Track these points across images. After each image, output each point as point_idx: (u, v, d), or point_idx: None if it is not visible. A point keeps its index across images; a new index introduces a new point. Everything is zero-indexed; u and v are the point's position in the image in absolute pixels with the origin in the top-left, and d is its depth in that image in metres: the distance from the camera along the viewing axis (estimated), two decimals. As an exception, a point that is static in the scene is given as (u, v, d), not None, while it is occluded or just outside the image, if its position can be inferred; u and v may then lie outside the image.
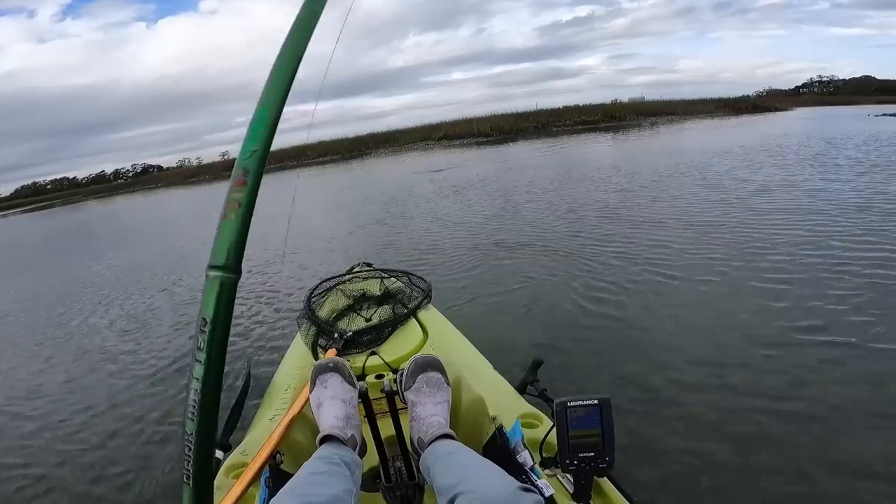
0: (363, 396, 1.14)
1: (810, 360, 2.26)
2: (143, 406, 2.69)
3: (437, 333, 1.65)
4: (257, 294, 4.42)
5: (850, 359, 2.23)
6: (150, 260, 7.12)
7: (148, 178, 46.66)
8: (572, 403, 0.97)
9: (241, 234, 0.61)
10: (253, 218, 0.68)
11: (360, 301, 1.83)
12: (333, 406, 1.12)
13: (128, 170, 57.63)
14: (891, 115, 17.62)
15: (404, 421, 1.17)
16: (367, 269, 2.25)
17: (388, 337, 1.61)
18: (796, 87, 48.08)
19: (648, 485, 1.61)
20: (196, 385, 0.61)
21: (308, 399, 1.19)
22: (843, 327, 2.51)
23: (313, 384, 1.18)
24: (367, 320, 1.70)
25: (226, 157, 44.91)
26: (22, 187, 60.87)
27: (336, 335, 1.55)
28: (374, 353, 1.50)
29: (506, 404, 1.28)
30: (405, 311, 1.75)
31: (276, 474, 1.05)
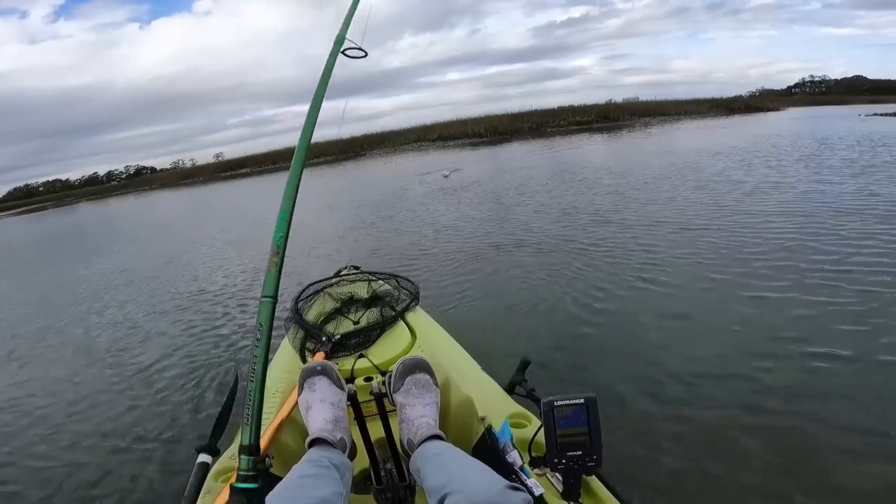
0: (352, 399, 1.15)
1: (801, 367, 2.23)
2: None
3: (426, 335, 1.66)
4: (245, 298, 4.41)
5: (843, 366, 2.20)
6: (148, 264, 7.09)
7: (141, 180, 46.43)
8: (559, 403, 0.98)
9: (277, 278, 0.90)
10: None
11: (348, 304, 1.83)
12: (322, 409, 1.12)
13: (121, 171, 57.32)
14: (882, 114, 17.78)
15: (394, 423, 1.17)
16: (355, 271, 2.24)
17: (376, 339, 1.61)
18: (788, 87, 48.48)
19: (637, 483, 1.62)
20: (258, 358, 0.83)
21: (297, 402, 1.19)
22: (836, 334, 2.46)
23: (301, 388, 1.18)
24: (355, 323, 1.70)
25: (220, 158, 44.85)
26: (14, 189, 60.47)
27: (324, 338, 1.55)
28: (362, 355, 1.50)
29: (494, 405, 1.28)
30: (393, 313, 1.75)
31: (265, 477, 1.05)
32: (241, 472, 0.76)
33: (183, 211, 16.17)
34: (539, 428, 1.07)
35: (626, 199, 6.38)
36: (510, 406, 1.29)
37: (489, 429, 1.14)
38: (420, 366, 1.18)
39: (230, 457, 1.16)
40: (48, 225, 19.77)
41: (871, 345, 2.33)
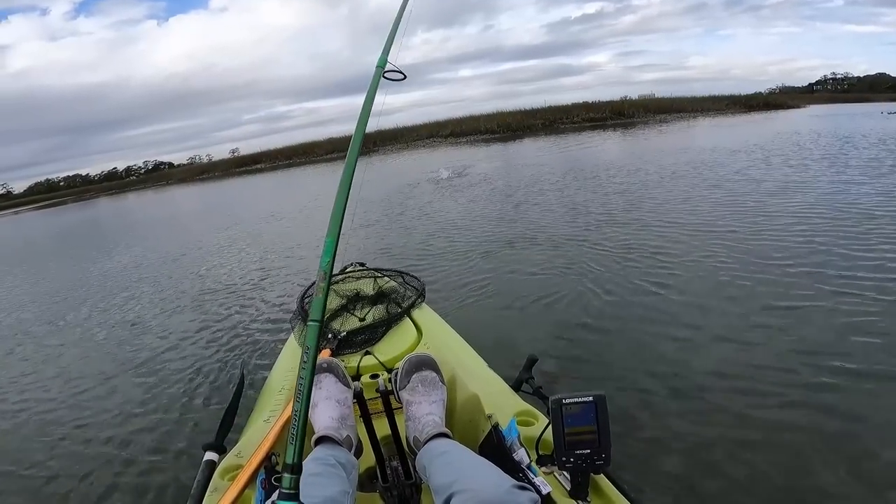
0: (358, 396, 1.15)
1: (824, 380, 2.12)
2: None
3: (432, 332, 1.65)
4: (251, 295, 4.44)
5: (870, 383, 2.06)
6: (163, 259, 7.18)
7: (159, 175, 47.15)
8: (567, 400, 0.97)
9: (324, 304, 0.90)
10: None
11: (354, 301, 1.84)
12: (328, 407, 1.12)
13: (139, 166, 58.47)
14: None
15: (400, 420, 1.17)
16: (361, 268, 2.24)
17: (382, 336, 1.61)
18: (810, 84, 47.59)
19: (647, 482, 1.60)
20: (304, 380, 0.83)
21: None
22: (862, 348, 2.31)
23: None
24: (361, 320, 1.70)
25: (235, 153, 45.38)
26: (35, 184, 61.86)
27: (330, 336, 1.55)
28: (368, 352, 1.50)
29: (501, 402, 1.27)
30: (399, 310, 1.75)
31: (271, 475, 1.05)
32: (283, 491, 0.77)
33: (197, 206, 16.35)
34: (546, 426, 1.06)
35: (639, 198, 6.26)
36: (517, 404, 1.28)
37: (496, 427, 1.13)
38: (426, 363, 1.17)
39: (236, 454, 1.16)
40: (67, 219, 20.13)
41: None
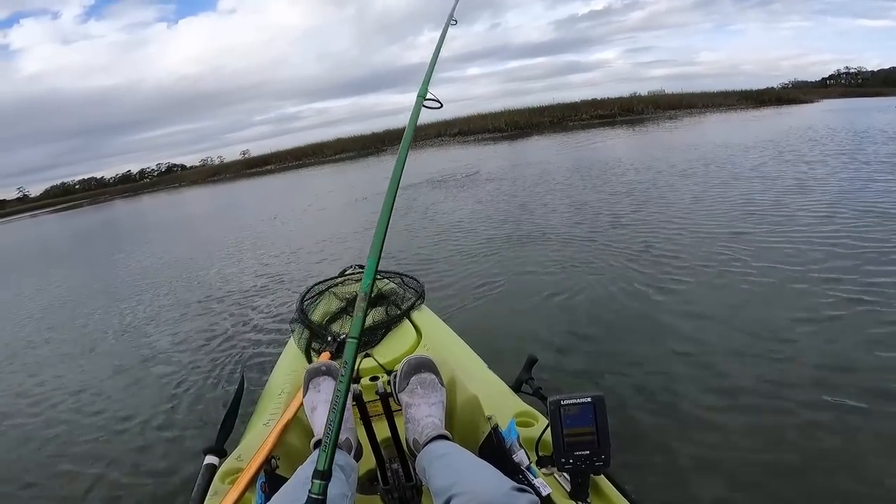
0: (357, 399, 1.15)
1: (832, 394, 1.99)
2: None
3: (431, 334, 1.66)
4: (252, 298, 4.46)
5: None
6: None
7: (172, 177, 47.71)
8: (566, 402, 0.96)
9: (363, 323, 0.91)
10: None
11: (353, 303, 1.83)
12: (327, 410, 1.13)
13: (153, 169, 59.19)
14: None
15: (399, 423, 1.17)
16: (360, 270, 2.24)
17: (381, 338, 1.62)
18: (823, 78, 46.86)
19: (648, 484, 1.59)
20: (340, 392, 0.85)
21: (302, 403, 1.20)
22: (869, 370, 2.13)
23: (306, 388, 1.18)
24: None
25: (246, 154, 45.76)
26: (51, 187, 62.98)
27: (329, 338, 1.57)
28: (367, 355, 1.50)
29: (501, 403, 1.27)
30: (398, 312, 1.76)
31: (271, 479, 1.05)
32: (312, 495, 0.79)
33: (207, 208, 16.52)
34: (546, 427, 1.05)
35: (647, 198, 6.15)
36: (517, 405, 1.28)
37: (496, 428, 1.13)
38: (425, 365, 1.17)
39: (237, 458, 1.17)
40: (82, 222, 20.43)
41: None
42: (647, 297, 3.15)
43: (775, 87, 34.23)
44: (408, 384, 1.16)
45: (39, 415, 2.88)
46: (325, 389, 1.16)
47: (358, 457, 1.12)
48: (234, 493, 1.04)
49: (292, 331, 1.75)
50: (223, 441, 1.27)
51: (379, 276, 2.05)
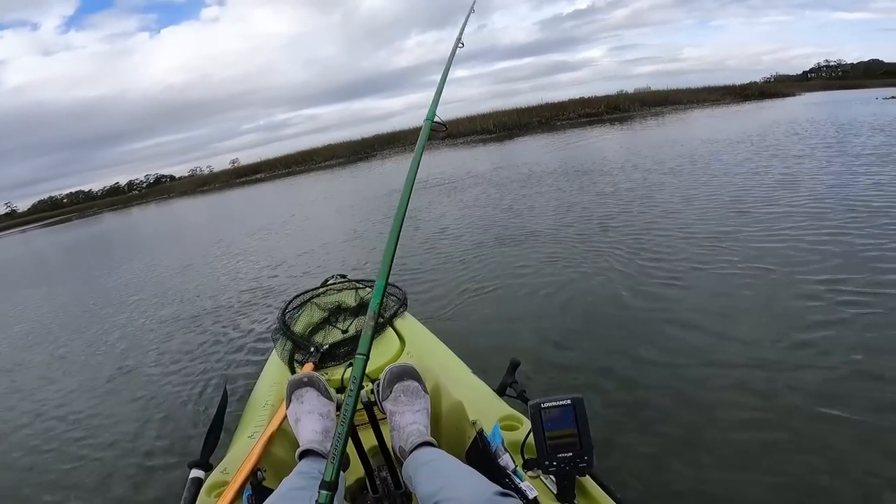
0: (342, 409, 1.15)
1: (825, 389, 2.00)
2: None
3: (415, 341, 1.67)
4: (235, 311, 4.44)
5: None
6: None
7: (160, 189, 47.30)
8: (546, 404, 0.98)
9: (371, 340, 0.95)
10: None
11: (336, 313, 1.84)
12: (311, 420, 1.13)
13: (141, 181, 58.63)
14: None
15: (386, 431, 1.17)
16: (342, 280, 2.25)
17: None
18: (804, 72, 47.41)
19: (634, 483, 1.60)
20: (348, 406, 0.90)
21: (286, 415, 1.20)
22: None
23: (289, 400, 1.19)
24: (344, 332, 1.71)
25: (236, 164, 45.50)
26: (39, 202, 62.16)
27: (312, 349, 1.57)
28: (352, 364, 1.51)
29: (485, 408, 1.27)
30: (381, 320, 1.76)
31: (258, 491, 1.06)
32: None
33: (195, 219, 16.44)
34: (530, 430, 1.06)
35: (634, 197, 6.14)
36: (501, 409, 1.29)
37: (481, 433, 1.14)
38: (407, 373, 1.18)
39: (222, 471, 1.16)
40: (73, 237, 20.15)
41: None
42: (630, 299, 3.16)
43: (758, 81, 34.66)
44: (391, 392, 1.16)
45: (12, 430, 2.88)
46: (308, 400, 1.16)
47: (345, 467, 1.13)
48: None
49: (275, 342, 1.75)
50: (208, 455, 1.27)
51: (360, 285, 2.06)
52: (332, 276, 2.37)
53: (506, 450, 1.09)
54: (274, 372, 1.67)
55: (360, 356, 0.92)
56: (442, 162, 15.47)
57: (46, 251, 16.73)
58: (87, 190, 61.62)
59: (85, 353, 4.24)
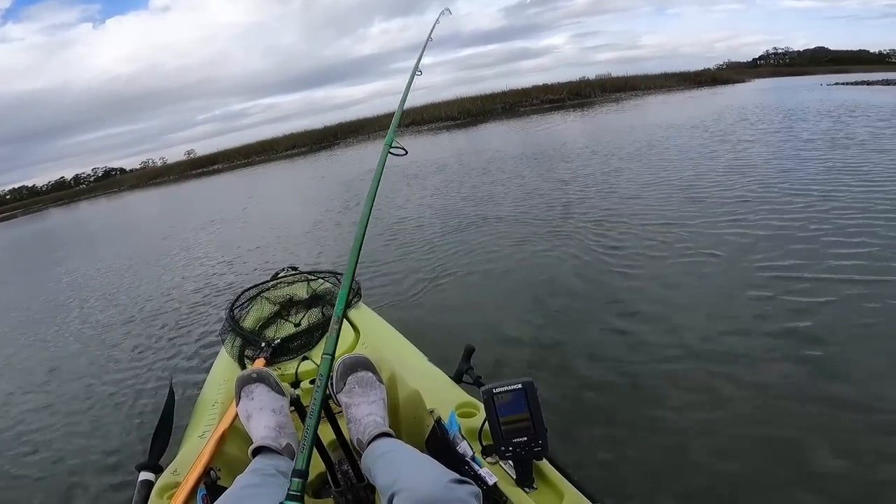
0: (296, 403, 1.13)
1: (768, 374, 2.09)
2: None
3: (369, 331, 1.65)
4: (178, 307, 4.32)
5: (812, 372, 2.04)
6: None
7: (110, 182, 45.01)
8: (498, 390, 0.98)
9: (336, 342, 1.00)
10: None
11: (288, 306, 1.81)
12: (263, 416, 1.10)
13: (88, 174, 55.60)
14: (843, 83, 18.55)
15: (343, 424, 1.15)
16: (293, 272, 2.20)
17: (319, 340, 1.60)
18: (753, 59, 49.11)
19: (591, 467, 1.64)
20: (316, 400, 0.93)
21: (237, 413, 1.16)
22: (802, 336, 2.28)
23: (238, 397, 1.15)
24: (296, 325, 1.69)
25: (192, 155, 43.68)
26: (-20, 199, 58.01)
27: (263, 344, 1.53)
28: (306, 357, 1.48)
29: (442, 396, 1.27)
30: None
31: (213, 491, 1.03)
32: (290, 492, 0.83)
33: (145, 213, 15.81)
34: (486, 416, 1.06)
35: (593, 182, 6.24)
36: (458, 396, 1.28)
37: (438, 421, 1.13)
38: (361, 363, 1.16)
39: (173, 472, 1.12)
40: (17, 234, 19.01)
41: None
42: (585, 285, 3.23)
43: (711, 68, 35.70)
44: (345, 384, 1.14)
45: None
46: (259, 396, 1.13)
47: None
48: None
49: (223, 340, 1.70)
50: (157, 456, 1.22)
51: (313, 277, 2.02)
52: (283, 269, 2.32)
53: (463, 437, 1.09)
54: (223, 369, 1.62)
55: (327, 356, 0.95)
56: (405, 147, 15.27)
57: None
58: (30, 185, 58.07)
59: (19, 357, 4.04)
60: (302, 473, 0.84)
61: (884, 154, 5.45)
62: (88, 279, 6.47)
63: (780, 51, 48.87)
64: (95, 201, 30.29)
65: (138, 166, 50.67)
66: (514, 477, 1.04)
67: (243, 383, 1.15)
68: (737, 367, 2.14)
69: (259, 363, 1.44)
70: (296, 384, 1.37)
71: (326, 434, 1.17)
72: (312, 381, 1.37)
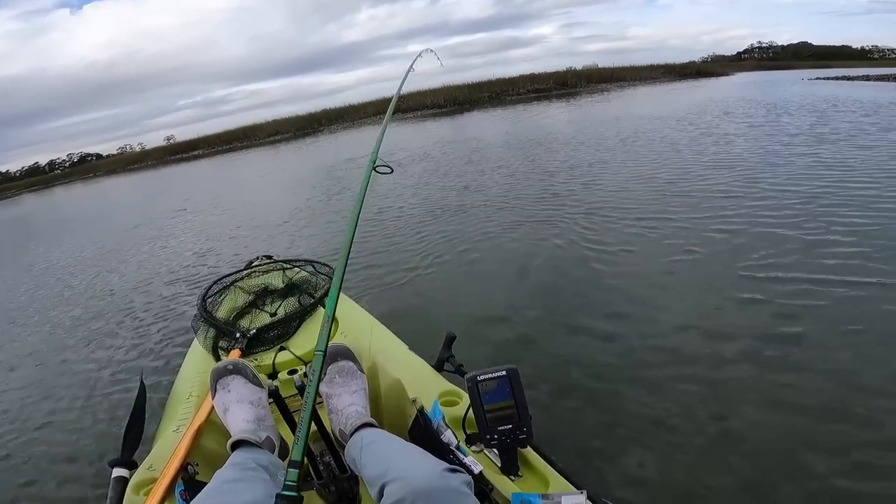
0: (274, 395, 1.10)
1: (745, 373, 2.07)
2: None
3: (348, 320, 1.62)
4: (149, 298, 4.21)
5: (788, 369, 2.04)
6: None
7: (86, 168, 43.80)
8: (482, 377, 0.96)
9: (327, 341, 0.98)
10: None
11: (263, 296, 1.77)
12: (241, 409, 1.07)
13: (63, 160, 54.05)
14: (824, 78, 19.01)
15: (324, 415, 1.13)
16: (268, 261, 2.15)
17: (296, 330, 1.56)
18: (738, 52, 49.80)
19: (576, 454, 1.64)
20: (309, 394, 0.90)
21: (213, 406, 1.13)
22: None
23: (214, 390, 1.12)
24: (272, 315, 1.64)
25: (171, 140, 42.73)
26: (-49, 186, 56.01)
27: (238, 335, 1.49)
28: (283, 348, 1.45)
29: (424, 385, 1.25)
30: (312, 300, 1.69)
31: (191, 486, 1.00)
32: (287, 482, 0.81)
33: (120, 199, 15.39)
34: (470, 405, 1.04)
35: (577, 174, 6.20)
36: (440, 384, 1.26)
37: (421, 410, 1.11)
38: (341, 353, 1.13)
39: (148, 468, 1.09)
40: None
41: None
42: (567, 274, 3.22)
43: (696, 61, 36.06)
44: (325, 374, 1.11)
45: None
46: (235, 388, 1.09)
47: (283, 455, 1.08)
48: (151, 503, 0.98)
49: (195, 331, 1.64)
50: (131, 452, 1.18)
51: (289, 265, 1.97)
52: (258, 258, 2.25)
53: (447, 426, 1.07)
54: (197, 362, 1.57)
55: (319, 353, 0.93)
56: (392, 134, 15.15)
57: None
58: (3, 171, 56.24)
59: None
60: (297, 464, 0.82)
61: (870, 150, 5.49)
62: (59, 269, 6.27)
63: (764, 45, 49.58)
64: (71, 187, 29.48)
65: (115, 152, 49.44)
66: (500, 465, 1.03)
67: (219, 375, 1.11)
68: (720, 351, 2.17)
69: (234, 354, 1.40)
70: (273, 375, 1.33)
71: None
72: (291, 372, 1.34)
